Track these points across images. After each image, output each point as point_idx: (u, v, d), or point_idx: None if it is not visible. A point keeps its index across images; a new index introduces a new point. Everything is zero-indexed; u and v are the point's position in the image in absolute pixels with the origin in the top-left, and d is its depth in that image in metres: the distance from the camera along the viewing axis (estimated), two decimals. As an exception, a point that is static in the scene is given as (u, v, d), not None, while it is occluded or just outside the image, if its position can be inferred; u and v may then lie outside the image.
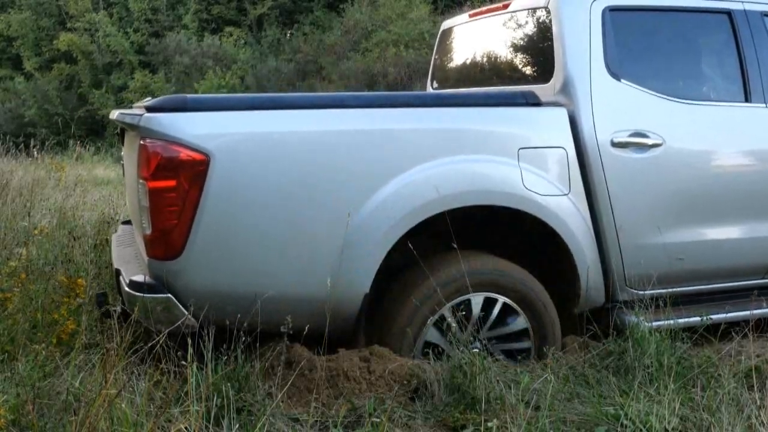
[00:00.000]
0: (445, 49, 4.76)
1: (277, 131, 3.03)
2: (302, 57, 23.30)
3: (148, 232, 2.91)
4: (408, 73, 18.26)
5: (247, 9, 26.03)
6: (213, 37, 25.25)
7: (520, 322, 3.30)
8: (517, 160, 3.24)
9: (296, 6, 25.81)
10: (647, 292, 3.42)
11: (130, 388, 2.69)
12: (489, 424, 2.57)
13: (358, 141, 3.11)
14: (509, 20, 3.99)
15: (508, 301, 3.26)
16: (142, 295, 2.91)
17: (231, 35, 25.61)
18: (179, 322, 2.89)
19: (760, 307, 3.63)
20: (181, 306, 2.89)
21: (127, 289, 2.99)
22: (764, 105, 3.74)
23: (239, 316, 2.89)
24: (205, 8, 26.45)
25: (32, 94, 26.25)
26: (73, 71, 27.48)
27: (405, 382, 2.97)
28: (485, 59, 4.29)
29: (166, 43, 25.22)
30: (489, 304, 3.25)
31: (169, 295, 2.90)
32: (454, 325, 3.16)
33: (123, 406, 2.42)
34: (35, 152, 9.37)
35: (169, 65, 25.15)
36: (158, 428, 2.47)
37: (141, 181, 2.93)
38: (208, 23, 26.51)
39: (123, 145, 4.12)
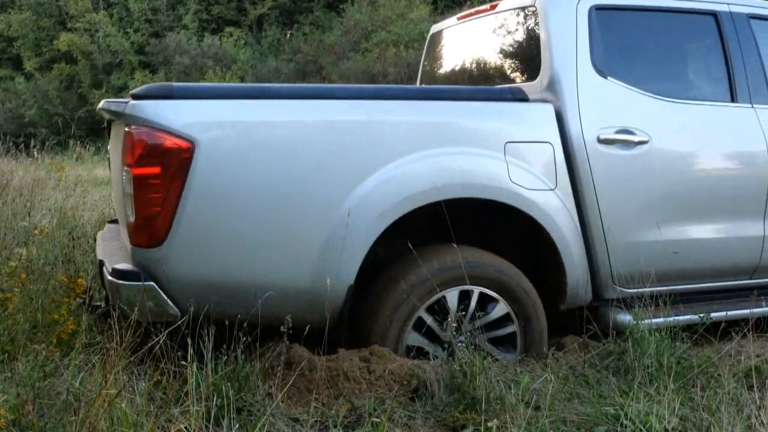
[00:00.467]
0: (434, 52, 4.75)
1: (264, 120, 3.02)
2: (302, 57, 23.33)
3: (132, 219, 2.89)
4: (408, 73, 18.27)
5: (247, 9, 26.05)
6: (213, 37, 25.29)
7: (501, 308, 3.28)
8: (503, 153, 3.25)
9: (296, 6, 25.83)
10: (634, 290, 3.43)
11: (130, 388, 2.69)
12: (489, 424, 2.57)
13: (345, 132, 3.09)
14: (497, 21, 4.00)
15: (485, 290, 3.25)
16: (124, 283, 2.89)
17: (231, 35, 25.65)
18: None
19: (755, 306, 3.62)
20: (164, 294, 2.88)
21: (109, 278, 2.96)
22: (750, 105, 3.76)
23: (224, 306, 2.88)
24: (205, 8, 26.49)
25: (32, 94, 26.30)
26: (73, 71, 27.53)
27: (405, 382, 2.97)
28: (474, 61, 4.30)
29: (166, 43, 25.25)
30: (467, 295, 3.24)
31: (152, 283, 2.88)
32: (430, 321, 3.17)
33: (123, 406, 2.42)
34: (35, 152, 9.38)
35: (169, 65, 25.18)
36: (158, 428, 2.47)
37: (125, 168, 2.91)
38: (208, 23, 26.54)
39: (109, 137, 4.10)
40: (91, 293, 3.52)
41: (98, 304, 3.30)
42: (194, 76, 23.95)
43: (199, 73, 23.85)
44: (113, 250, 3.47)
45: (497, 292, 3.27)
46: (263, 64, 23.79)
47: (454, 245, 3.17)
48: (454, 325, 3.16)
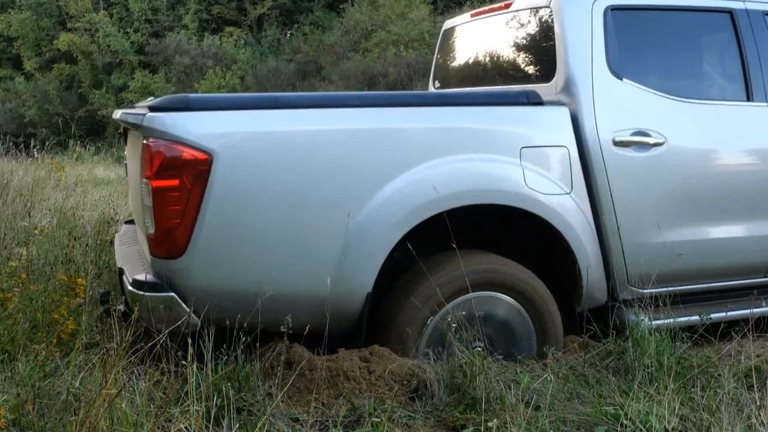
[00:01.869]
0: (447, 48, 4.76)
1: (280, 130, 3.03)
2: (302, 57, 23.32)
3: (152, 231, 2.91)
4: (408, 74, 18.27)
5: (247, 9, 26.04)
6: (213, 37, 25.27)
7: (519, 317, 3.30)
8: (519, 159, 3.25)
9: (296, 6, 25.82)
10: (649, 290, 3.42)
11: (130, 388, 2.69)
12: (489, 424, 2.57)
13: (361, 140, 3.11)
14: (511, 20, 3.99)
15: (506, 297, 3.26)
16: (144, 293, 2.91)
17: (231, 35, 25.63)
18: (182, 321, 2.89)
19: (760, 306, 3.62)
20: (184, 305, 2.90)
21: (130, 287, 2.99)
22: (766, 104, 3.74)
23: (242, 314, 2.88)
24: (205, 8, 26.46)
25: (32, 94, 26.28)
26: (73, 71, 27.50)
27: (405, 382, 2.97)
28: (487, 59, 4.29)
29: (166, 43, 25.23)
30: (488, 302, 3.24)
31: (173, 293, 2.90)
32: (454, 325, 3.16)
33: (123, 405, 2.42)
34: (35, 152, 9.38)
35: (169, 65, 25.16)
36: (158, 428, 2.48)
37: (144, 180, 2.94)
38: (208, 23, 26.52)
39: (126, 144, 4.12)
40: (108, 291, 3.53)
41: (120, 307, 3.32)
42: (194, 76, 23.95)
43: (199, 73, 23.84)
44: (132, 257, 3.49)
45: (515, 299, 3.28)
46: (263, 64, 23.77)
47: (456, 251, 3.15)
48: (475, 327, 3.17)
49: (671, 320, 3.38)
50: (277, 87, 21.70)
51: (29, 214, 5.29)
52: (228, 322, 2.91)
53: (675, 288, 3.49)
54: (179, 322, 2.87)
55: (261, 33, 25.88)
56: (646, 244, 3.46)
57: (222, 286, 2.95)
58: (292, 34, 25.11)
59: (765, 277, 3.80)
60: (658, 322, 3.34)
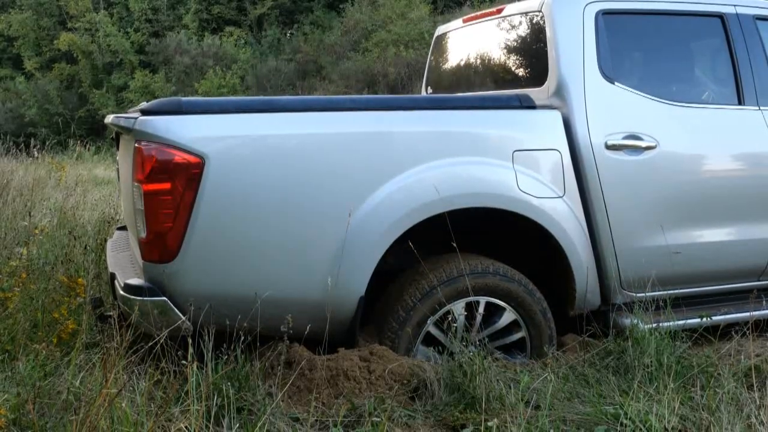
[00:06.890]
0: (439, 53, 4.76)
1: (272, 134, 3.03)
2: (302, 57, 23.34)
3: (143, 235, 2.90)
4: (408, 73, 18.29)
5: (247, 9, 26.07)
6: (213, 37, 25.31)
7: (512, 322, 3.31)
8: (511, 162, 3.25)
9: (296, 6, 25.85)
10: (643, 294, 3.43)
11: (131, 388, 2.69)
12: (489, 424, 2.57)
13: (353, 144, 3.10)
14: (503, 24, 4.00)
15: (498, 302, 3.27)
16: (137, 298, 2.90)
17: (231, 35, 25.66)
18: (176, 326, 2.88)
19: (758, 308, 3.62)
20: (176, 309, 2.89)
21: (122, 292, 2.98)
22: (757, 108, 3.74)
23: (235, 318, 2.88)
24: (206, 8, 26.50)
25: (33, 94, 26.32)
26: (73, 71, 27.55)
27: (405, 381, 2.97)
28: (479, 63, 4.29)
29: (166, 43, 25.26)
30: (481, 307, 3.25)
31: (165, 298, 2.89)
32: (448, 328, 3.18)
33: (123, 405, 2.42)
34: (36, 152, 9.38)
35: (169, 65, 25.19)
36: (158, 427, 2.48)
37: (136, 184, 2.93)
38: (209, 23, 26.56)
39: (118, 149, 4.11)
40: (99, 298, 3.53)
41: (109, 314, 3.31)
42: (194, 75, 23.98)
43: (199, 73, 23.87)
44: (124, 262, 3.48)
45: (508, 303, 3.28)
46: (263, 63, 23.79)
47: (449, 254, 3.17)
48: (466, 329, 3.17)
49: (666, 324, 3.38)
50: (277, 87, 21.73)
51: (29, 213, 5.30)
52: (222, 326, 2.91)
53: (668, 292, 3.49)
54: (172, 327, 2.86)
55: (261, 33, 25.91)
56: (639, 248, 3.46)
57: (215, 290, 2.94)
58: (292, 34, 25.13)
59: (758, 280, 3.80)
60: (652, 325, 3.33)
